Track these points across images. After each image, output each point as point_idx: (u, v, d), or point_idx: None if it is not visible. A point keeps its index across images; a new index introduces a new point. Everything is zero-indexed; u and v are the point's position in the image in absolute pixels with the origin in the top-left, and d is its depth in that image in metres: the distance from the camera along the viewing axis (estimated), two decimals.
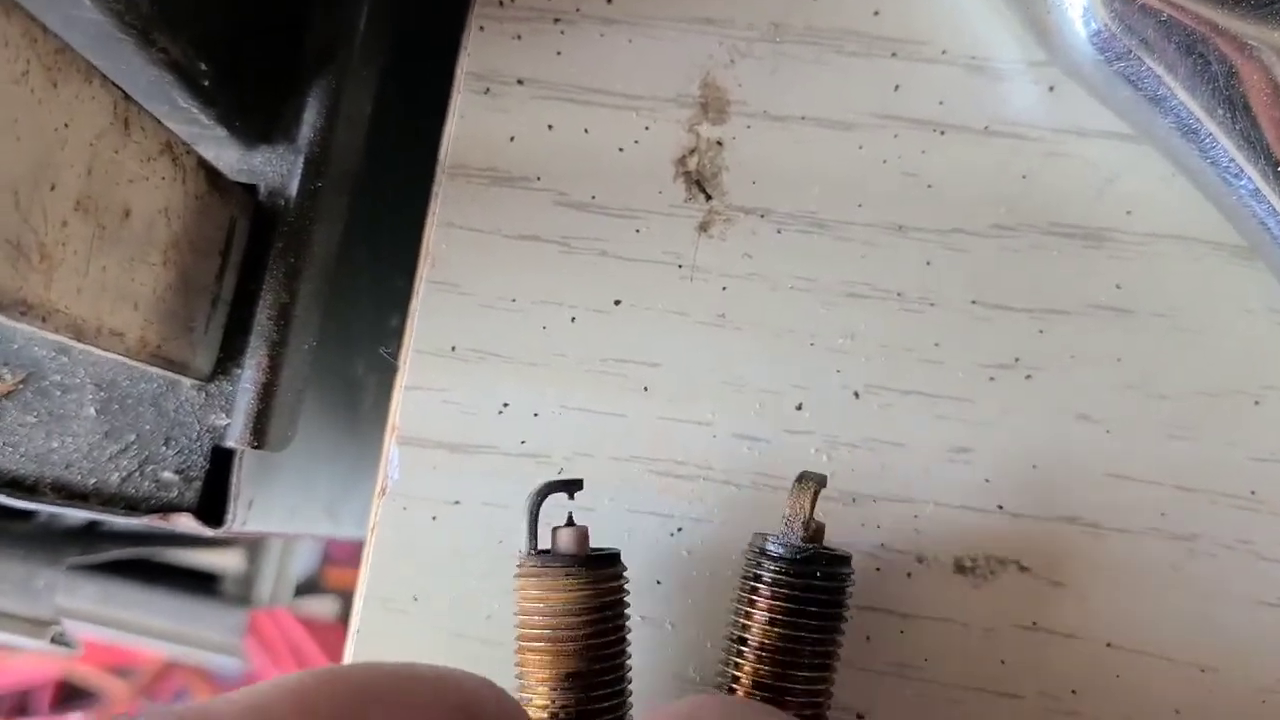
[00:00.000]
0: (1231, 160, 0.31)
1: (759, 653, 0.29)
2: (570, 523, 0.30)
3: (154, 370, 0.36)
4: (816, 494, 0.30)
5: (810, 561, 0.29)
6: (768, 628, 0.29)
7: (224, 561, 0.68)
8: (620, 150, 0.35)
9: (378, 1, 0.36)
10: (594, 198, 0.35)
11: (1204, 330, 0.34)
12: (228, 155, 0.39)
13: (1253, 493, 0.33)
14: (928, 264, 0.34)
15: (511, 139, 0.35)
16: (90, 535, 0.57)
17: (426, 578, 0.34)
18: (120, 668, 1.14)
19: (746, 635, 0.30)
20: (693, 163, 0.35)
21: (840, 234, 0.35)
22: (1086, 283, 0.34)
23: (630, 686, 0.30)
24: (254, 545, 0.69)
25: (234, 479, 0.35)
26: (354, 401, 0.45)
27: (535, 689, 0.29)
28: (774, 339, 0.34)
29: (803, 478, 0.30)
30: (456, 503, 0.34)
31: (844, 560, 0.30)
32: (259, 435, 0.34)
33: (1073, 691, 0.33)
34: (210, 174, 0.35)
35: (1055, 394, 0.34)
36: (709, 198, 0.35)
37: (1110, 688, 0.33)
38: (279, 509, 0.39)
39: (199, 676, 1.10)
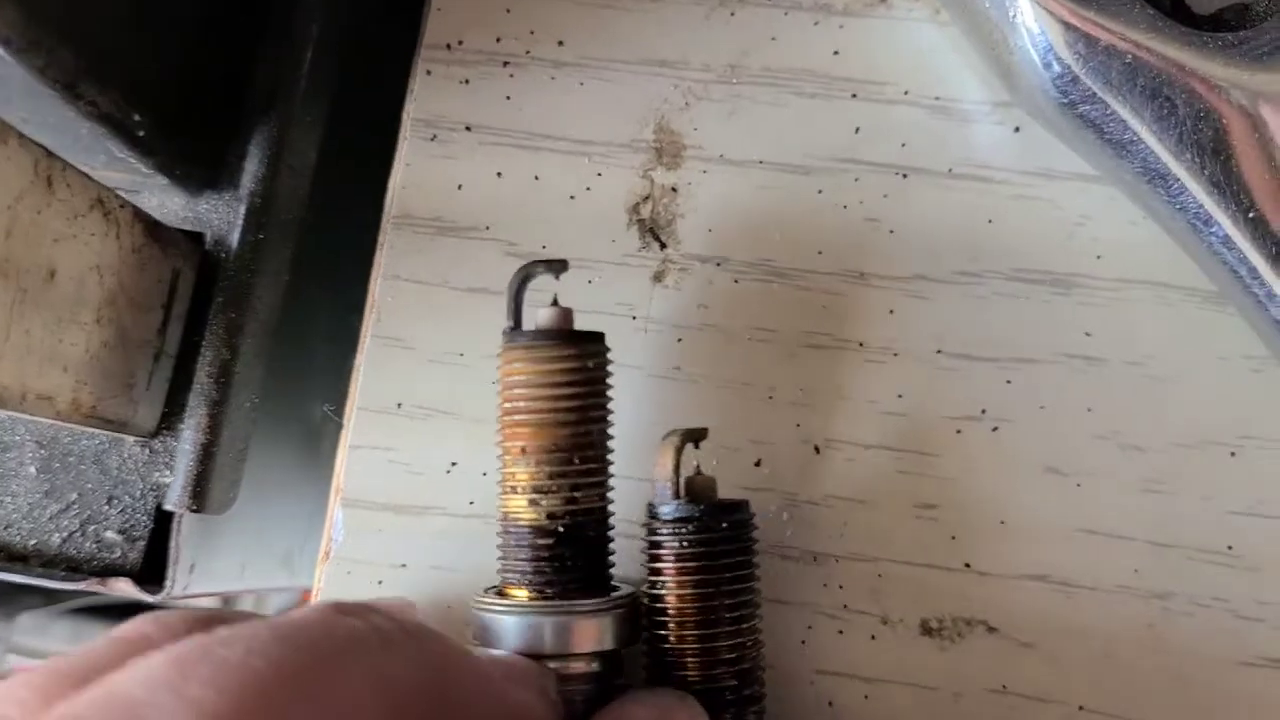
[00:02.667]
0: (1200, 207, 0.30)
1: (678, 613, 0.29)
2: (555, 303, 0.30)
3: None
4: (680, 448, 0.29)
5: (690, 519, 0.29)
6: (676, 589, 0.29)
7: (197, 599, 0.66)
8: (572, 198, 0.34)
9: (322, 46, 0.35)
10: (545, 247, 0.34)
11: (1178, 379, 0.33)
12: (172, 203, 0.38)
13: (1230, 548, 0.32)
14: (890, 313, 0.33)
15: (459, 187, 0.34)
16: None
17: None
18: None
19: (661, 601, 0.29)
20: (646, 210, 0.34)
21: (800, 283, 0.33)
22: (1055, 330, 0.33)
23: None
24: None
25: (173, 543, 0.34)
26: (311, 448, 0.44)
27: (518, 467, 0.29)
28: (731, 392, 0.33)
29: (668, 435, 0.30)
30: (403, 566, 0.33)
31: (732, 508, 0.29)
32: (199, 498, 0.33)
33: None
34: (149, 226, 0.34)
35: (1024, 446, 0.33)
36: (663, 246, 0.34)
37: None
38: (227, 568, 0.38)
39: None
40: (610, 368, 0.30)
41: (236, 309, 0.34)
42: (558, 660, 0.28)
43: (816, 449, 0.33)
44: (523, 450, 0.29)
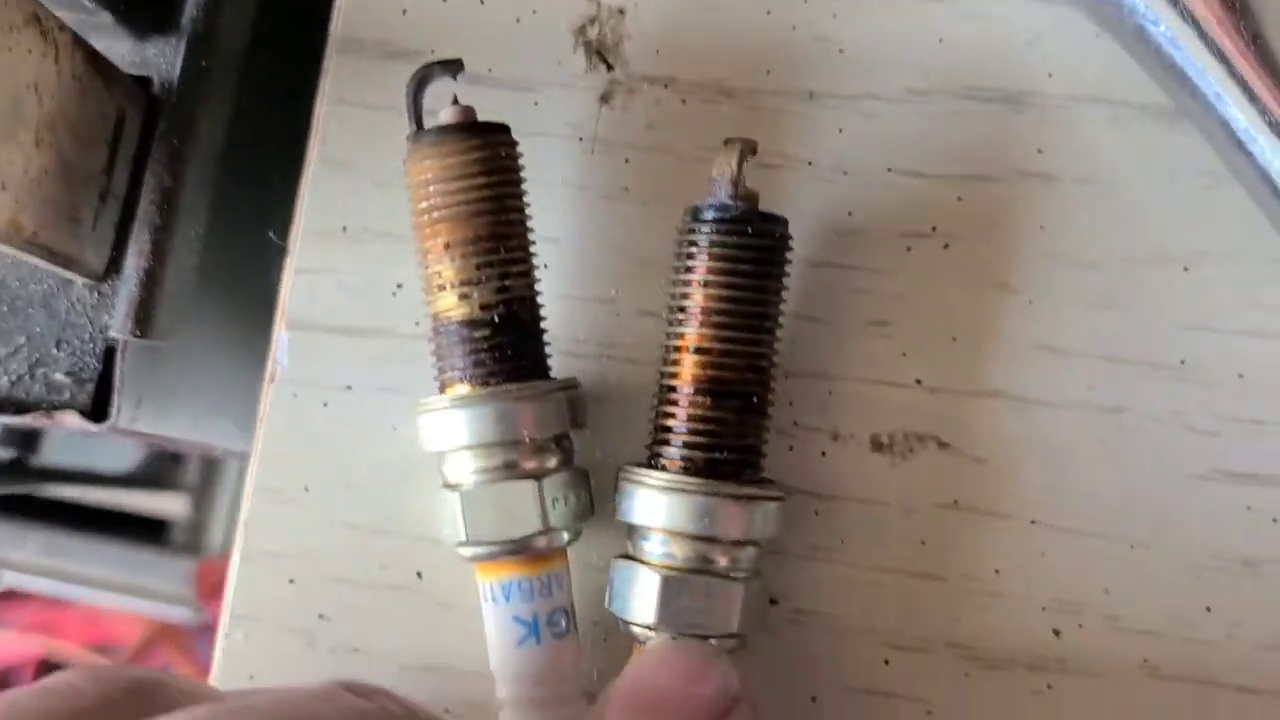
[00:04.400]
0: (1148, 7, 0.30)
1: (700, 317, 0.29)
2: (455, 103, 0.30)
3: (44, 269, 0.35)
4: (744, 154, 0.29)
5: (742, 220, 0.29)
6: (705, 289, 0.28)
7: (171, 507, 0.66)
8: (517, 20, 0.34)
9: None
10: (490, 70, 0.33)
11: (1130, 195, 0.32)
12: (120, 47, 0.37)
13: (1183, 362, 0.32)
14: (840, 131, 0.33)
15: (404, 11, 0.34)
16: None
17: (318, 467, 0.32)
18: (100, 645, 1.13)
19: (686, 302, 0.29)
20: (593, 32, 0.33)
21: (748, 102, 0.33)
22: (1006, 148, 0.33)
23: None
24: (200, 491, 0.67)
25: (118, 371, 0.33)
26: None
27: (443, 264, 0.29)
28: (679, 212, 0.32)
29: (729, 141, 0.29)
30: (349, 388, 0.33)
31: (777, 219, 0.29)
32: (142, 324, 0.33)
33: (996, 571, 0.31)
34: (90, 56, 0.34)
35: (975, 263, 0.32)
36: (610, 68, 0.33)
37: (1035, 567, 0.31)
38: (177, 412, 0.37)
39: (178, 650, 1.09)
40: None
41: (178, 136, 0.33)
42: (508, 447, 0.28)
43: None
44: (446, 246, 0.28)
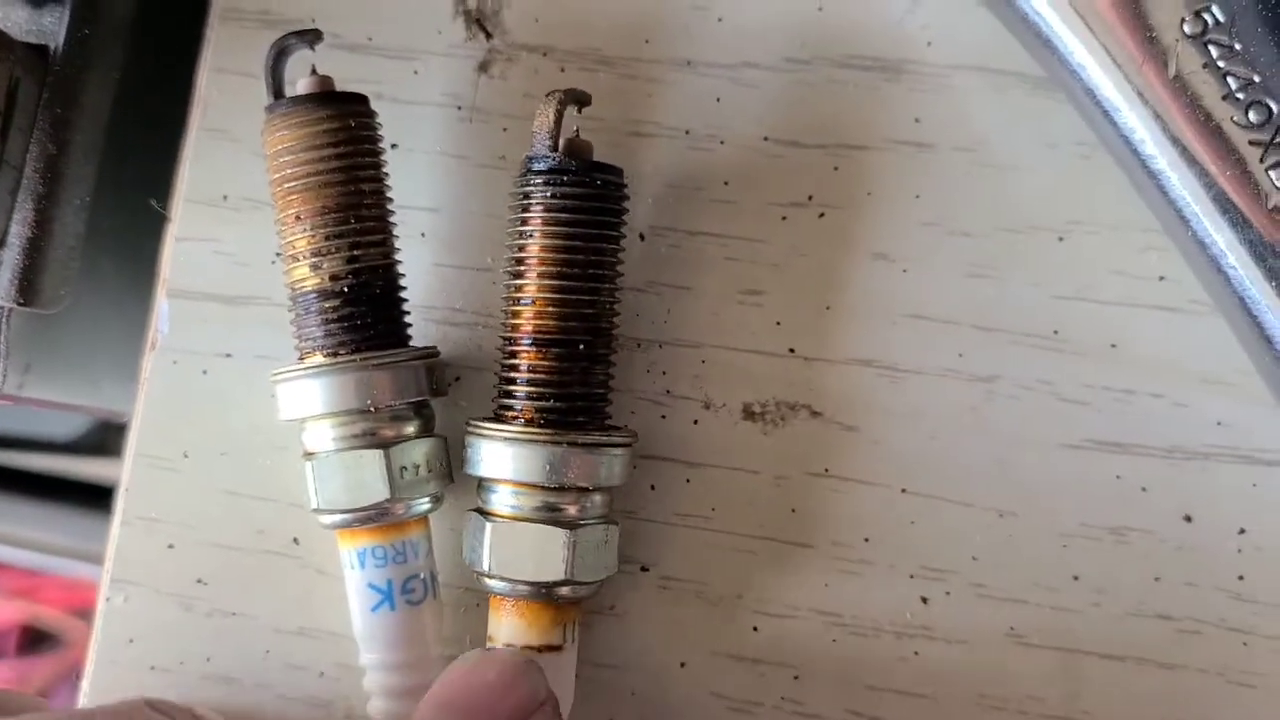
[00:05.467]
0: None
1: (525, 267, 0.29)
2: (314, 73, 0.30)
3: None
4: (561, 106, 0.29)
5: (559, 170, 0.29)
6: (529, 240, 0.29)
7: (116, 474, 0.67)
8: None
9: None
10: (370, 39, 0.33)
11: (1006, 165, 0.32)
12: (16, 15, 0.37)
13: (1055, 332, 0.32)
14: (717, 100, 0.33)
15: None
16: None
17: (197, 434, 0.33)
18: (81, 610, 1.14)
19: (516, 254, 0.29)
20: (472, 0, 0.33)
21: (626, 71, 0.33)
22: (884, 117, 0.33)
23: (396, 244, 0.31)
24: None
25: (3, 338, 0.34)
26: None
27: (295, 235, 0.29)
28: None
29: (550, 93, 0.29)
30: (228, 356, 0.33)
31: (602, 168, 0.30)
32: (26, 293, 0.33)
33: (865, 539, 0.32)
34: None
35: (850, 232, 0.32)
36: (490, 36, 0.33)
37: (905, 535, 0.32)
38: (73, 379, 0.38)
39: None
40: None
41: (63, 105, 0.33)
42: (361, 416, 0.28)
43: (641, 236, 0.33)
44: (297, 217, 0.29)
